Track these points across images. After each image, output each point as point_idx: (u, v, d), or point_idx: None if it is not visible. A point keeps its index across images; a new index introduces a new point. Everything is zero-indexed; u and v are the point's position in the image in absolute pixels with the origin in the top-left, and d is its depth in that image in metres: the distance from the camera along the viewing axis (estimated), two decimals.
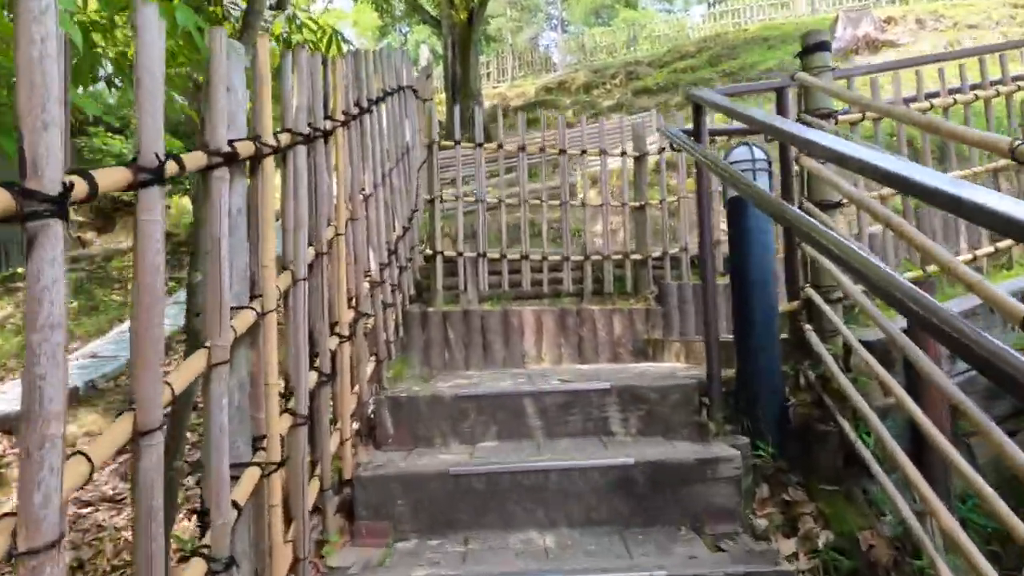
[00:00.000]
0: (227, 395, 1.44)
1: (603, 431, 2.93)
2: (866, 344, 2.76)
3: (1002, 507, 1.74)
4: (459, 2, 13.73)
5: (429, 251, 4.80)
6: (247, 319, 1.69)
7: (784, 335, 3.14)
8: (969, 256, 3.65)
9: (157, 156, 1.17)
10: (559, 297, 5.14)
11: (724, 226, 5.77)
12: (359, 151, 3.47)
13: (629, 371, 3.84)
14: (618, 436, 2.91)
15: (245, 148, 1.64)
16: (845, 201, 3.18)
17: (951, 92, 3.90)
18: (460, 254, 4.84)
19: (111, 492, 3.49)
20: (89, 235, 11.78)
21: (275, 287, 1.92)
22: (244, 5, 3.60)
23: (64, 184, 0.88)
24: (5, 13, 2.15)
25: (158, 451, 1.14)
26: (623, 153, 5.29)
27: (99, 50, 2.88)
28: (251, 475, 1.65)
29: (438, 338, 4.47)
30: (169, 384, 1.21)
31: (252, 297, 1.82)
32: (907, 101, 3.96)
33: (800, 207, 3.17)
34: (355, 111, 3.25)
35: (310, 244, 2.46)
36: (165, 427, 1.17)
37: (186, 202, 10.82)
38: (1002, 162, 3.86)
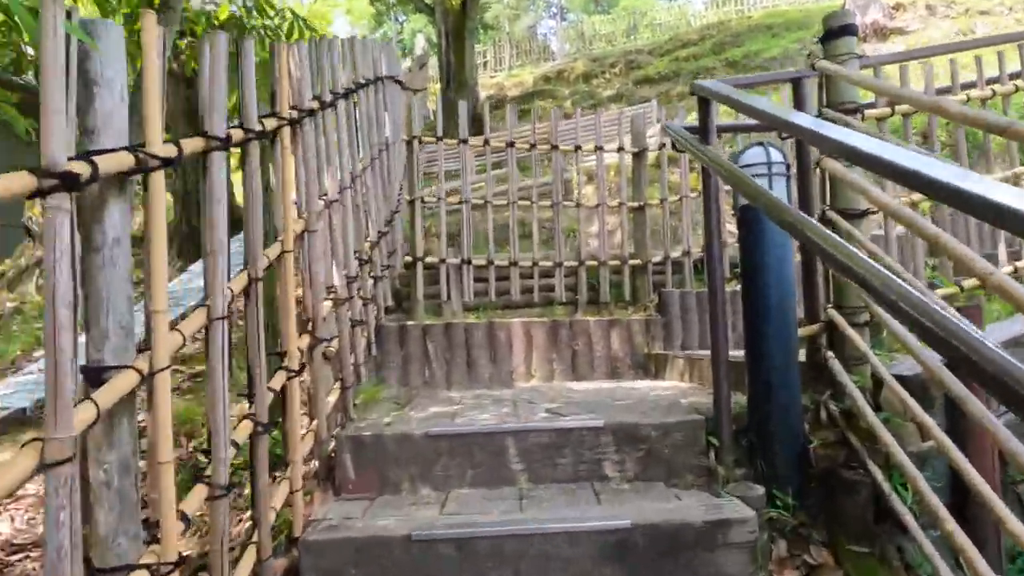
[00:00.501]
0: (68, 510, 1.05)
1: (596, 475, 2.55)
2: (901, 379, 2.37)
3: None
4: None
5: (409, 258, 4.40)
6: (124, 383, 1.31)
7: (799, 359, 2.75)
8: (1009, 268, 3.26)
9: None
10: (551, 306, 4.75)
11: (732, 227, 5.37)
12: (319, 152, 3.07)
13: (627, 394, 3.46)
14: (613, 482, 2.53)
15: (112, 163, 1.24)
16: (874, 209, 2.78)
17: (989, 82, 3.49)
18: (443, 261, 4.44)
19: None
20: None
21: (175, 334, 1.52)
22: None
23: None
24: None
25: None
26: (620, 149, 4.88)
27: None
28: None
29: (417, 354, 4.08)
30: None
31: (141, 350, 1.43)
32: (940, 93, 3.55)
33: (822, 217, 2.78)
34: (312, 106, 2.84)
35: (244, 268, 2.07)
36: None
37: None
38: None
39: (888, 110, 3.03)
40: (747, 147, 2.62)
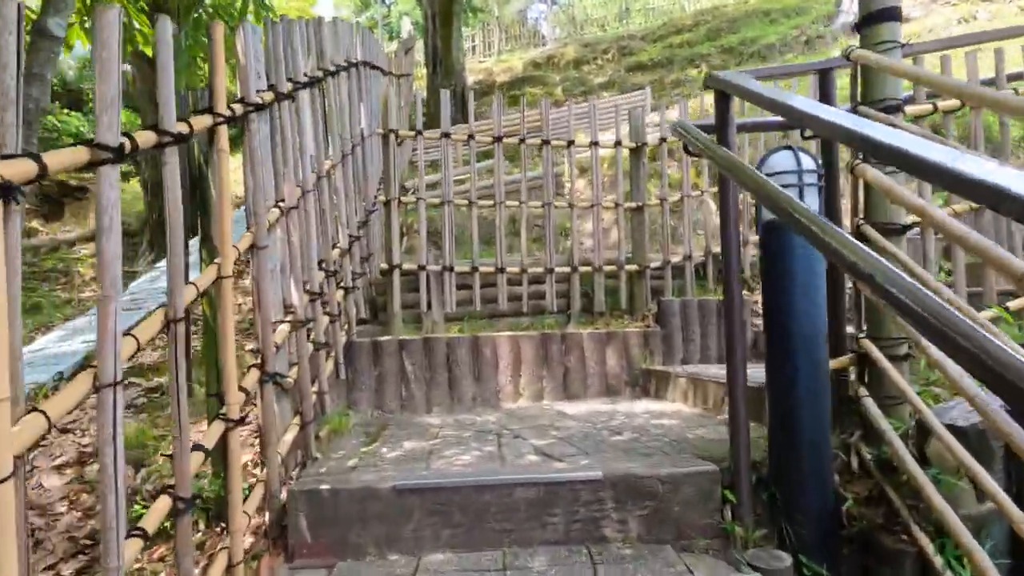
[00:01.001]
0: None
1: (593, 537, 2.18)
2: (954, 428, 2.01)
3: None
4: None
5: (385, 264, 3.99)
6: None
7: None
8: None
9: None
10: (541, 316, 4.37)
11: (750, 238, 4.99)
12: (273, 151, 2.65)
13: (625, 423, 3.09)
14: (613, 545, 2.16)
15: None
16: (919, 221, 2.41)
17: None
18: (422, 268, 4.04)
19: None
20: (35, 223, 10.83)
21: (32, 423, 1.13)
22: None
23: None
24: None
25: None
26: (617, 143, 4.48)
27: None
28: None
29: (393, 373, 3.68)
30: None
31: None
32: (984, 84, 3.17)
33: (855, 232, 2.40)
34: (261, 99, 2.42)
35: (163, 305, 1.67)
36: None
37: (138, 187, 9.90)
38: None
39: (928, 106, 2.65)
40: (772, 151, 2.24)
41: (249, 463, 2.86)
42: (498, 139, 4.22)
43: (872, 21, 2.38)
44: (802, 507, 2.14)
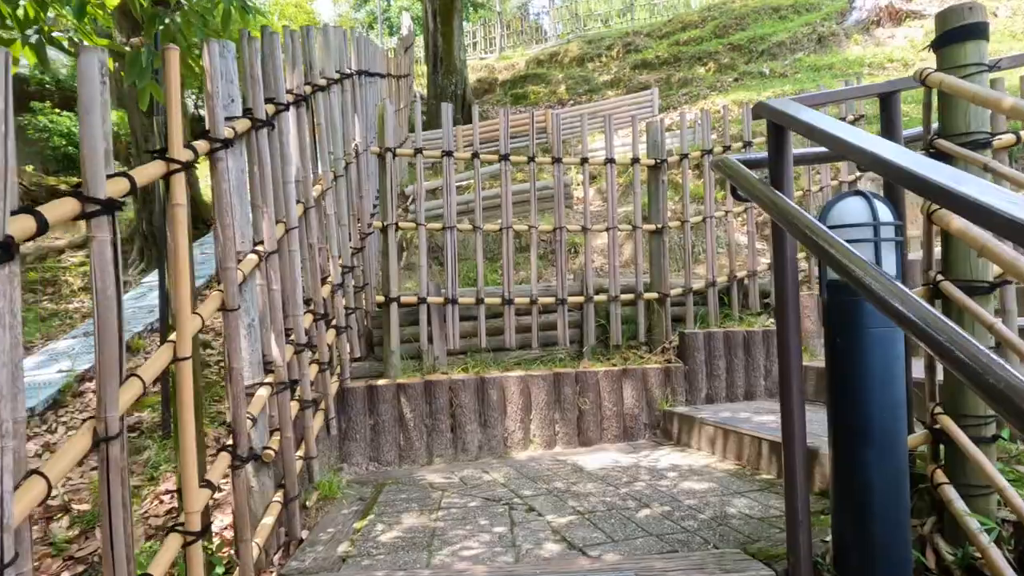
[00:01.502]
0: None
1: None
2: None
3: None
4: None
5: (381, 296, 3.63)
6: None
7: None
8: None
9: None
10: (553, 348, 4.01)
11: (765, 258, 4.62)
12: (252, 186, 2.30)
13: (651, 486, 2.73)
14: None
15: None
16: (1008, 280, 2.05)
17: None
18: (422, 300, 3.67)
19: None
20: None
21: None
22: None
23: None
24: None
25: None
26: (635, 161, 4.11)
27: None
28: None
29: (391, 420, 3.33)
30: None
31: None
32: None
33: (932, 288, 2.04)
34: (231, 131, 2.06)
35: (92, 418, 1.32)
36: None
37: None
38: None
39: (1011, 137, 2.28)
40: (840, 198, 1.87)
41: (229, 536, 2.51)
42: (504, 157, 3.85)
43: (953, 39, 2.02)
44: None
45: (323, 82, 3.37)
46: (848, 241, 1.77)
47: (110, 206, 1.28)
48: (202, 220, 9.26)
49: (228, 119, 2.17)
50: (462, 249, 6.37)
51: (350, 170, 3.80)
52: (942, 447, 2.07)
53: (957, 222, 1.86)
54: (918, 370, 2.33)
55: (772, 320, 4.37)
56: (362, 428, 3.29)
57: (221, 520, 2.57)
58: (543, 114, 11.70)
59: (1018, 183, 1.93)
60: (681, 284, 4.26)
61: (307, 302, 3.04)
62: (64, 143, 14.68)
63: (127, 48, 2.94)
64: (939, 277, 2.02)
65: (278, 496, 2.33)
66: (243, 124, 2.23)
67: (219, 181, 1.94)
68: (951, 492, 1.96)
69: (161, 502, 2.90)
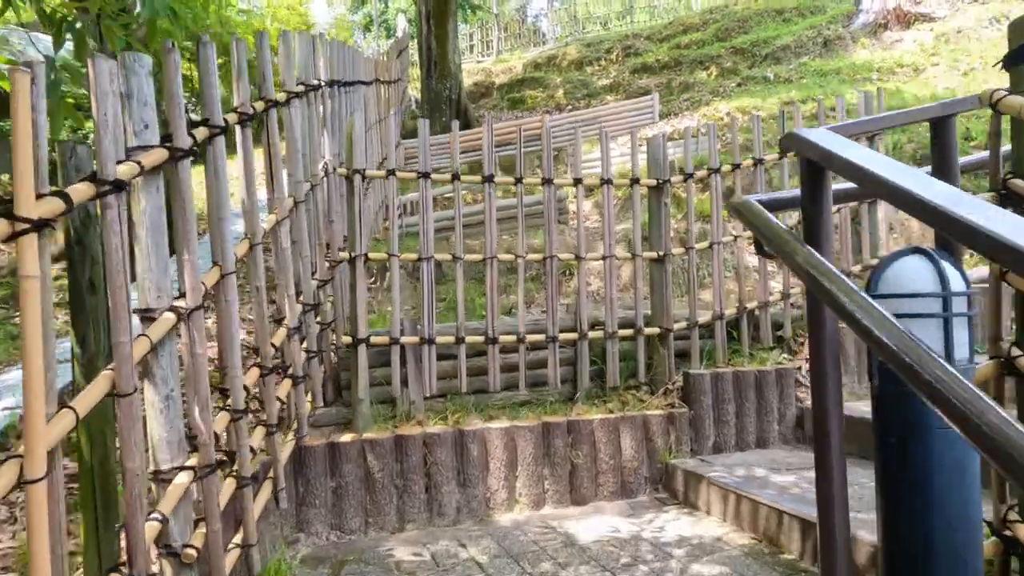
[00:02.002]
0: None
1: None
2: None
3: None
4: None
5: (348, 337, 3.23)
6: None
7: None
8: None
9: None
10: (543, 388, 3.60)
11: (776, 281, 4.19)
12: (177, 226, 1.90)
13: (657, 569, 2.33)
14: None
15: None
16: None
17: None
18: (395, 341, 3.27)
19: None
20: None
21: None
22: None
23: None
24: None
25: None
26: (635, 181, 3.70)
27: None
28: None
29: (356, 481, 2.92)
30: None
31: None
32: None
33: (1007, 363, 1.64)
34: (129, 171, 1.66)
35: None
36: None
37: None
38: None
39: None
40: (895, 256, 1.46)
41: None
42: (488, 179, 3.44)
43: None
44: None
45: (282, 96, 2.97)
46: (908, 316, 1.37)
47: None
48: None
49: (134, 151, 1.78)
50: (444, 248, 5.97)
51: (317, 192, 3.39)
52: (1015, 559, 1.67)
53: None
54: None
55: (785, 356, 3.97)
56: (322, 492, 2.88)
57: None
58: (539, 120, 11.31)
59: None
60: (685, 315, 3.85)
61: (255, 351, 2.64)
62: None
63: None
64: (1016, 351, 1.61)
65: None
66: (157, 155, 1.82)
67: (108, 234, 1.54)
68: None
69: None
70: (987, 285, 1.72)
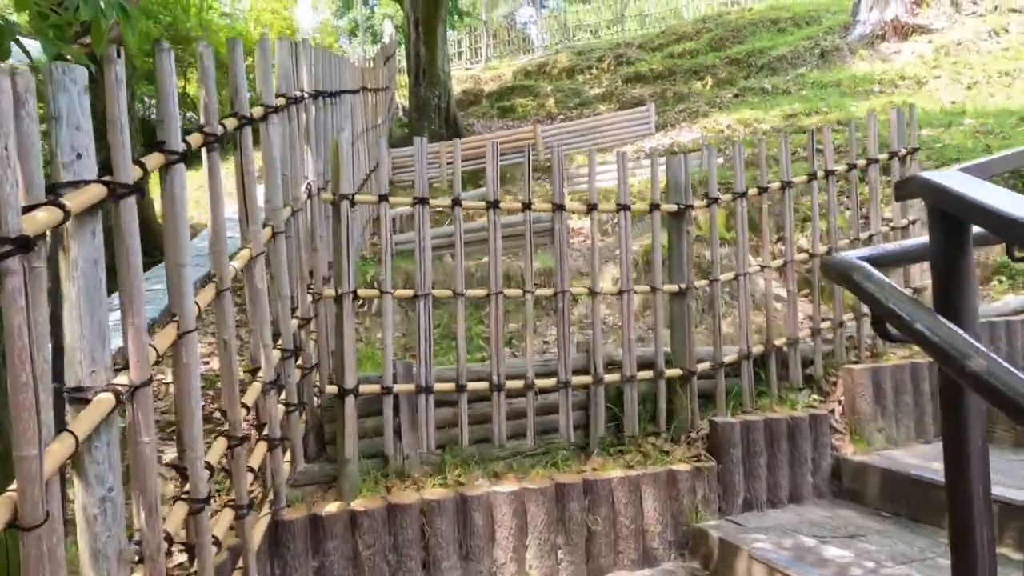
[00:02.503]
0: None
1: None
2: None
3: None
4: None
5: (334, 387, 2.82)
6: None
7: None
8: None
9: None
10: (552, 438, 3.22)
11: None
12: (125, 278, 1.51)
13: None
14: None
15: None
16: None
17: None
18: (388, 390, 2.87)
19: None
20: None
21: None
22: None
23: None
24: None
25: None
26: (654, 207, 3.34)
27: None
28: None
29: (342, 561, 2.52)
30: None
31: None
32: None
33: None
34: (48, 220, 1.26)
35: None
36: None
37: None
38: None
39: None
40: None
41: None
42: (493, 204, 3.06)
43: None
44: None
45: (258, 111, 2.58)
46: None
47: None
48: (156, 246, 8.36)
49: (63, 188, 1.38)
50: (443, 277, 5.58)
51: (299, 218, 2.99)
52: None
53: None
54: None
55: (816, 398, 3.62)
56: (304, 570, 2.47)
57: None
58: (530, 129, 10.95)
59: None
60: (707, 352, 3.49)
61: (223, 413, 2.24)
62: None
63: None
64: None
65: None
66: (90, 194, 1.43)
67: (9, 312, 1.13)
68: None
69: None
70: None
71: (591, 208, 3.23)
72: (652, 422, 3.38)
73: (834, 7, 13.89)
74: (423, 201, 2.94)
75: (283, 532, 2.45)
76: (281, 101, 2.87)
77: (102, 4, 1.75)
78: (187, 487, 1.82)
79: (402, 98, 15.05)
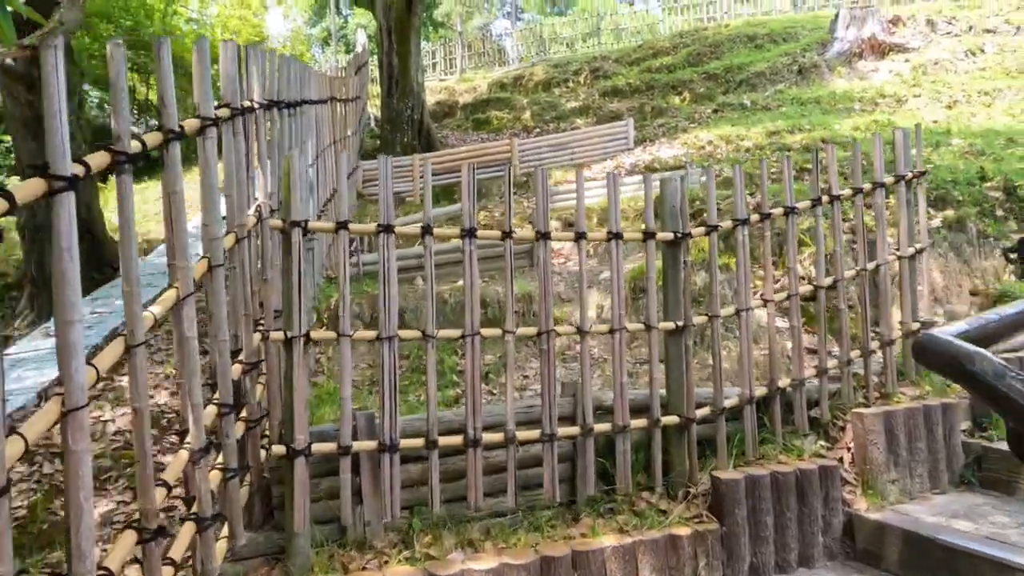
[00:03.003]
0: None
1: None
2: None
3: None
4: None
5: (281, 447, 2.41)
6: None
7: None
8: None
9: None
10: (534, 495, 2.84)
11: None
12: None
13: None
14: None
15: None
16: None
17: None
18: (346, 450, 2.46)
19: None
20: None
21: None
22: None
23: None
24: None
25: None
26: (649, 235, 3.00)
27: None
28: None
29: None
30: None
31: None
32: None
33: None
34: None
35: None
36: None
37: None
38: None
39: None
40: None
41: None
42: (470, 233, 2.68)
43: None
44: None
45: (193, 123, 2.18)
46: None
47: None
48: (107, 262, 7.78)
49: None
50: (411, 294, 5.18)
51: (243, 247, 2.59)
52: None
53: None
54: None
55: (823, 444, 3.30)
56: None
57: None
58: (507, 143, 10.63)
59: None
60: (706, 394, 3.16)
61: (144, 492, 1.82)
62: None
63: None
64: None
65: None
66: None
67: None
68: None
69: None
70: None
71: (579, 236, 2.88)
72: (646, 472, 3.03)
73: (811, 24, 13.85)
74: (388, 229, 2.56)
75: None
76: (224, 112, 2.48)
77: None
78: None
79: (374, 108, 14.63)
